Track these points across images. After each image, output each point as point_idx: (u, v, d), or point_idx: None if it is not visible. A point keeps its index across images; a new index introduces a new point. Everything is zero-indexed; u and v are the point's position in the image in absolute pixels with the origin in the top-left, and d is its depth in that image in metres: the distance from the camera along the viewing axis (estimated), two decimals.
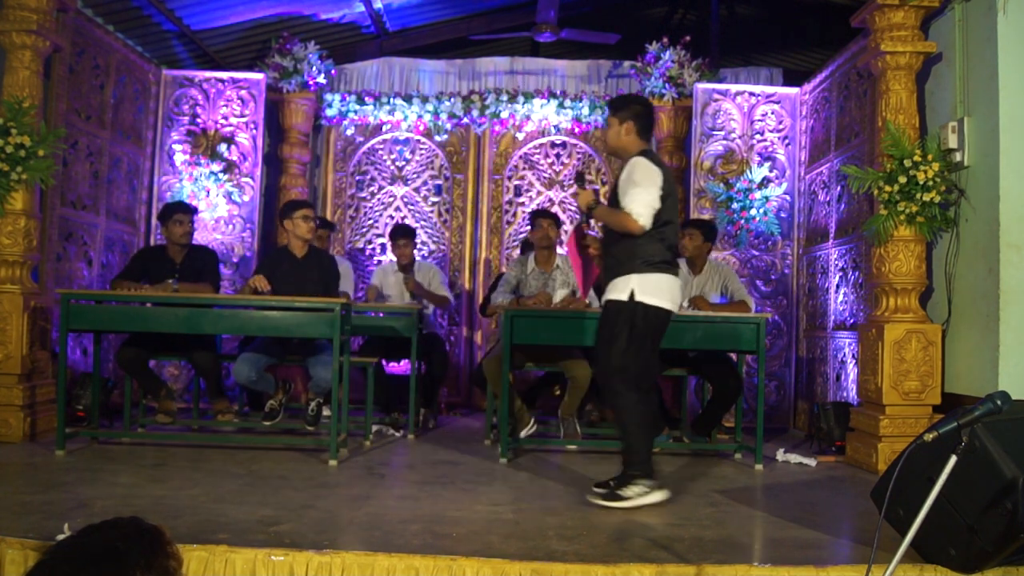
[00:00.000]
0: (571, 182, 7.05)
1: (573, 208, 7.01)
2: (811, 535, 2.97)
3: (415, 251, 5.98)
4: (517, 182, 7.11)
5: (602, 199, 3.95)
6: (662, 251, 3.39)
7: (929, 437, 2.01)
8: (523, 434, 4.72)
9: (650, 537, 2.85)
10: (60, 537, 1.41)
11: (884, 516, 2.19)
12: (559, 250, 5.24)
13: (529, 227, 5.28)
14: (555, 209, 7.00)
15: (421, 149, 7.10)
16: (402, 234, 5.83)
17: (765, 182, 6.09)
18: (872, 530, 2.70)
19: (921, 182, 4.28)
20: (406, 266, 5.84)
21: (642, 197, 3.31)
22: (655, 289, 3.35)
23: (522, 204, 7.10)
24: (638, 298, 3.33)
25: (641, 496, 3.30)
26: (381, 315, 5.55)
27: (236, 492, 3.39)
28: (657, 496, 3.34)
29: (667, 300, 3.39)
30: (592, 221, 3.76)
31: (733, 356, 4.84)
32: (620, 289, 3.37)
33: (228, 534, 2.65)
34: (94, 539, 1.36)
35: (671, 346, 4.51)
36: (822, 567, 2.53)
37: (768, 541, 2.87)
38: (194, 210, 5.15)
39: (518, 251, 6.43)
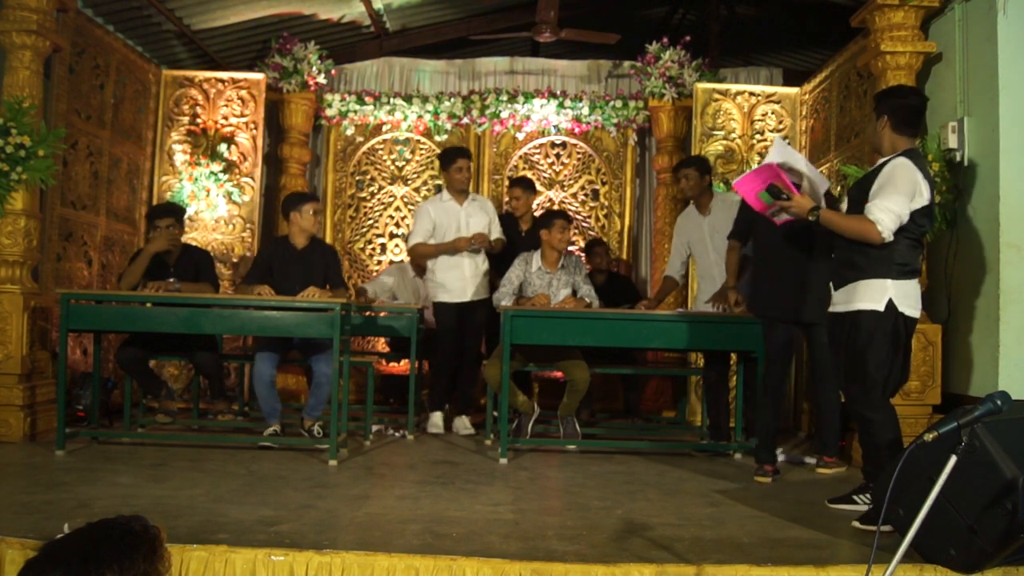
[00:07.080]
0: (571, 182, 7.05)
1: (573, 209, 7.01)
2: (811, 535, 2.97)
3: None
4: None
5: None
6: (917, 257, 3.18)
7: (929, 437, 2.01)
8: (529, 425, 4.80)
9: (650, 537, 2.85)
10: (59, 537, 1.41)
11: (884, 516, 2.19)
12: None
13: (544, 228, 4.94)
14: (555, 209, 7.00)
15: (421, 149, 7.10)
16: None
17: None
18: (872, 530, 2.70)
19: None
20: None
21: (891, 204, 3.05)
22: (913, 299, 3.16)
23: None
24: (900, 309, 3.12)
25: None
26: (383, 314, 5.56)
27: (236, 492, 3.39)
28: None
29: (919, 309, 3.21)
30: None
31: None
32: (874, 298, 3.13)
33: (228, 534, 2.65)
34: (75, 540, 1.36)
35: (675, 347, 4.53)
36: (822, 567, 2.53)
37: (768, 541, 2.86)
38: (181, 211, 5.04)
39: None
